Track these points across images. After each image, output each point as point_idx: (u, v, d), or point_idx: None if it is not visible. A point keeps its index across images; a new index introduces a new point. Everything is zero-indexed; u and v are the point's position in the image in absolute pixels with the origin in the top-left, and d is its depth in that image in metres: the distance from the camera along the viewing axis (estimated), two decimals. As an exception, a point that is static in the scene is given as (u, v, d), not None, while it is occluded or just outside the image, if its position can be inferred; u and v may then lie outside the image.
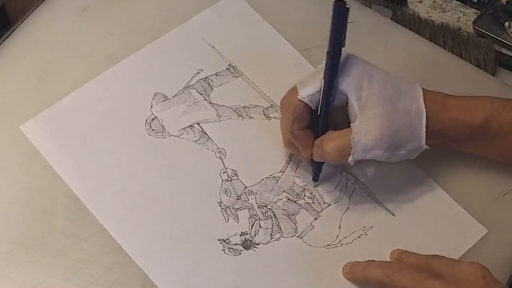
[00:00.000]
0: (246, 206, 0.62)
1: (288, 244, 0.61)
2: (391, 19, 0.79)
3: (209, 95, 0.67)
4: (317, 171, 0.63)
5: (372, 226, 0.62)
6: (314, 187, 0.64)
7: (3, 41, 0.70)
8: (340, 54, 0.58)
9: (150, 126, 0.65)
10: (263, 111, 0.67)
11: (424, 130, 0.59)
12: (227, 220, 0.61)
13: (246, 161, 0.64)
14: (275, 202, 0.63)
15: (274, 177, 0.64)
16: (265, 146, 0.65)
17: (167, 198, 0.62)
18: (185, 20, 0.72)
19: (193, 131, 0.65)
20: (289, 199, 0.63)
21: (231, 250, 0.60)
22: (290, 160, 0.64)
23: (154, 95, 0.67)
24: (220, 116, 0.66)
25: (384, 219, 0.62)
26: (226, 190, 0.63)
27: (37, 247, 0.59)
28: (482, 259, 0.61)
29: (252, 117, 0.67)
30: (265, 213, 0.62)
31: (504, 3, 0.83)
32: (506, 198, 0.65)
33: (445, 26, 0.81)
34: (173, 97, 0.67)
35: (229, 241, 0.60)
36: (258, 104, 0.67)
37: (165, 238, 0.60)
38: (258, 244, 0.61)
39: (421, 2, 0.85)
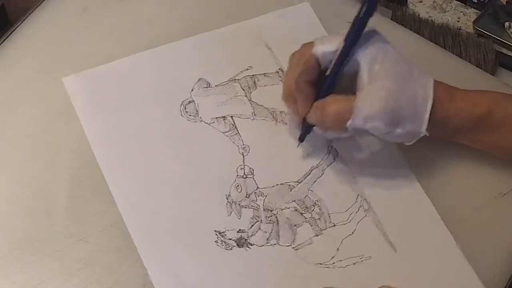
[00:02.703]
0: (252, 206, 0.62)
1: (281, 252, 0.60)
2: (391, 19, 0.79)
3: (251, 93, 0.67)
4: (305, 132, 0.63)
5: (371, 257, 0.61)
6: (297, 146, 0.64)
7: (3, 41, 0.70)
8: (367, 20, 0.59)
9: (185, 108, 0.66)
10: (297, 120, 0.66)
11: (428, 115, 0.59)
12: (229, 214, 0.61)
13: (266, 163, 0.64)
14: (282, 209, 0.62)
15: (289, 185, 0.63)
16: (290, 153, 0.65)
17: (179, 179, 0.63)
18: (185, 19, 0.72)
19: (225, 122, 0.66)
20: (296, 210, 0.62)
21: (223, 243, 0.60)
22: (310, 173, 0.64)
23: (198, 80, 0.67)
24: (255, 115, 0.66)
25: (384, 253, 0.61)
26: (238, 185, 0.63)
27: (37, 247, 0.59)
28: (482, 260, 0.62)
29: (286, 123, 0.66)
30: (268, 217, 0.62)
31: (504, 3, 0.83)
32: (506, 198, 0.65)
33: (445, 26, 0.81)
34: (215, 86, 0.67)
35: (225, 234, 0.60)
36: (292, 111, 0.66)
37: (164, 217, 0.61)
38: (252, 245, 0.60)
39: (421, 2, 0.85)
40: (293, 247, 0.61)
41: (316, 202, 0.63)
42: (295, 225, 0.62)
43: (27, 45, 0.70)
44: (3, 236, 0.60)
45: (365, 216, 0.62)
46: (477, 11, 0.84)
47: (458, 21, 0.83)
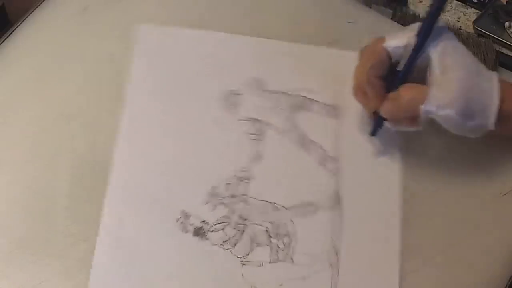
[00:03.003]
0: (229, 207, 0.62)
1: (228, 259, 0.60)
2: (391, 19, 0.79)
3: (295, 112, 0.66)
4: (377, 126, 0.63)
5: None
6: (368, 140, 0.65)
7: (3, 41, 0.70)
8: (439, 16, 0.60)
9: (228, 97, 0.66)
10: (323, 157, 0.65)
11: (496, 109, 0.59)
12: (205, 203, 0.62)
13: (268, 178, 0.63)
14: (255, 224, 0.62)
15: (276, 206, 0.63)
16: (295, 180, 0.64)
17: (180, 153, 0.64)
18: (185, 19, 0.72)
19: (255, 125, 0.65)
20: (267, 231, 0.62)
21: (182, 224, 0.61)
22: (303, 206, 0.62)
23: (257, 79, 0.68)
24: (286, 133, 0.66)
25: None
26: (229, 183, 0.63)
27: (37, 247, 0.59)
28: (481, 260, 0.62)
29: (310, 154, 0.65)
30: (238, 224, 0.61)
31: (504, 3, 0.83)
32: (506, 198, 0.65)
33: (445, 26, 0.81)
34: (270, 91, 0.67)
35: (189, 217, 0.61)
36: (325, 148, 0.65)
37: (147, 183, 0.62)
38: (207, 239, 0.60)
39: (421, 2, 0.85)
40: (242, 261, 0.60)
41: (290, 234, 0.62)
42: (256, 244, 0.61)
43: (27, 45, 0.70)
44: (3, 236, 0.60)
45: (327, 268, 0.61)
46: (477, 11, 0.84)
47: (458, 21, 0.83)
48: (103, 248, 0.59)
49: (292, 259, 0.60)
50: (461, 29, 0.82)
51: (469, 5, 0.85)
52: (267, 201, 0.63)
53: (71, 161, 0.63)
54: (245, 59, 0.69)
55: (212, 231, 0.61)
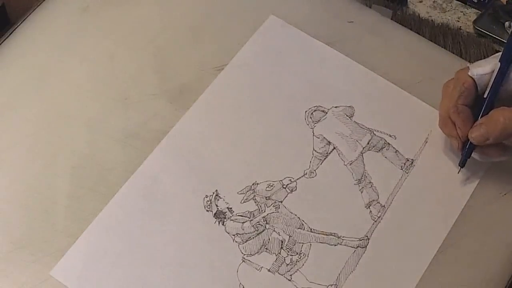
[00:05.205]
0: (259, 206, 0.62)
1: (232, 251, 0.60)
2: (391, 19, 0.78)
3: (369, 150, 0.66)
4: (467, 156, 0.63)
5: None
6: (458, 172, 0.64)
7: (3, 41, 0.70)
8: None
9: (312, 113, 0.67)
10: (373, 202, 0.63)
11: None
12: (241, 192, 0.63)
13: (309, 197, 0.63)
14: (274, 231, 0.62)
15: (303, 225, 0.62)
16: (334, 210, 0.63)
17: (242, 140, 0.65)
18: (185, 19, 0.72)
19: (324, 146, 0.65)
20: (282, 242, 0.61)
21: (209, 202, 0.62)
22: (330, 236, 0.62)
23: (349, 106, 0.68)
24: (350, 165, 0.65)
25: None
26: (271, 186, 0.63)
27: (37, 247, 0.59)
28: (482, 260, 0.62)
29: (362, 194, 0.64)
30: (257, 224, 0.62)
31: (504, 3, 0.83)
32: (506, 198, 0.65)
33: (445, 26, 0.81)
34: (356, 123, 0.67)
35: (219, 199, 0.62)
36: (379, 195, 0.64)
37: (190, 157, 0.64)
38: (223, 225, 0.61)
39: (421, 2, 0.85)
40: (243, 258, 0.60)
41: (301, 254, 0.61)
42: (266, 248, 0.61)
43: (27, 45, 0.70)
44: (3, 235, 0.60)
45: None
46: (477, 11, 0.84)
47: (458, 21, 0.83)
48: (131, 196, 0.62)
49: (291, 276, 0.60)
50: (461, 29, 0.82)
51: (469, 5, 0.85)
52: (297, 216, 0.62)
53: (71, 161, 0.63)
54: (342, 81, 0.69)
55: (231, 220, 0.61)
